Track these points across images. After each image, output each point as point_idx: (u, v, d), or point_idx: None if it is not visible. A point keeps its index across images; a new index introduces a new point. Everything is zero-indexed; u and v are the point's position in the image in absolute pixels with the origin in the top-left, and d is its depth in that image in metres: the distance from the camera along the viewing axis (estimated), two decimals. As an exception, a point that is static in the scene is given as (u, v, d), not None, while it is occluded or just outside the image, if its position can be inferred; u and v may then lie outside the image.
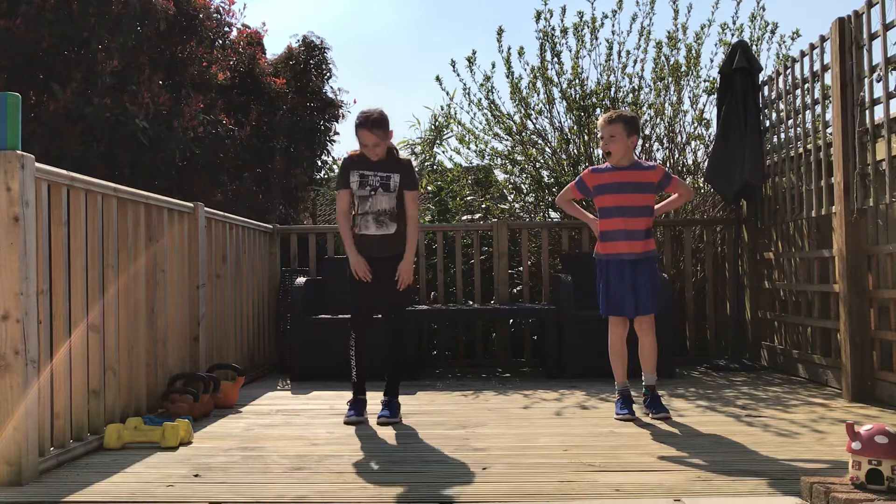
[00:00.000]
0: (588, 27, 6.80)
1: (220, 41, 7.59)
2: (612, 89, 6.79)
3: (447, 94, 10.25)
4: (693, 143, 6.87)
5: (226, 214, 5.18)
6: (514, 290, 6.48)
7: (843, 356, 4.37)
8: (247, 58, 7.91)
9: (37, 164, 2.84)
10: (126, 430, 3.38)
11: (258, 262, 5.96)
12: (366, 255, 3.87)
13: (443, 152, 11.10)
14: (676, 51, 6.71)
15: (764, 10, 6.62)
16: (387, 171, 3.84)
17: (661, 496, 2.51)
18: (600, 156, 5.72)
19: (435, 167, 8.47)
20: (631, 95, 6.82)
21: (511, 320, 6.23)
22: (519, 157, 7.13)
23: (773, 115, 5.59)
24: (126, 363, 3.65)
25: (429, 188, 7.63)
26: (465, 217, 7.19)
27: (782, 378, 5.19)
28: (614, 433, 3.54)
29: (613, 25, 7.20)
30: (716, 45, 6.79)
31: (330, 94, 8.76)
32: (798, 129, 5.09)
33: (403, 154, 3.99)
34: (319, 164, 9.07)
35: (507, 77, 6.97)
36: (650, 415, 3.85)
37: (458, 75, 7.96)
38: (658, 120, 6.83)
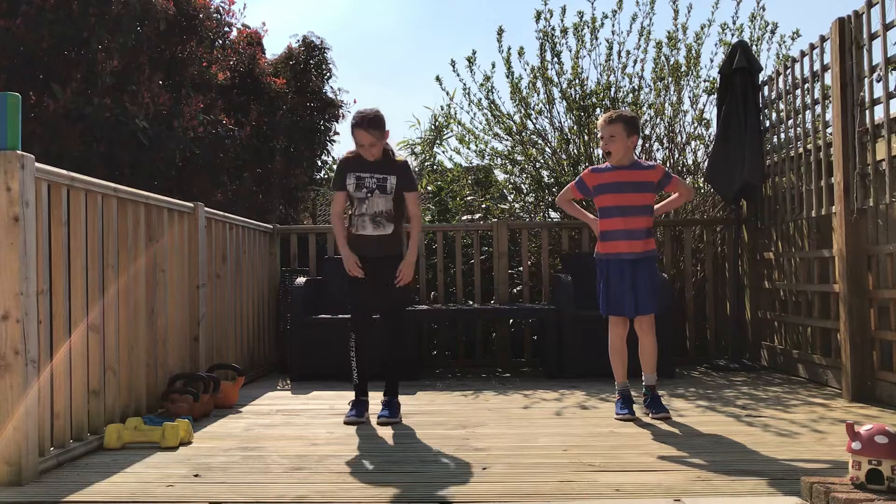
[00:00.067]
0: (588, 27, 6.80)
1: (220, 41, 7.59)
2: (612, 89, 6.80)
3: (447, 94, 10.27)
4: (693, 143, 6.87)
5: (226, 214, 5.18)
6: (514, 290, 6.48)
7: (843, 356, 4.37)
8: (247, 58, 7.91)
9: (37, 164, 2.84)
10: (126, 430, 3.38)
11: (258, 262, 5.96)
12: (363, 255, 3.88)
13: (443, 152, 11.09)
14: (676, 51, 6.72)
15: (764, 10, 6.62)
16: (383, 172, 3.84)
17: (661, 496, 2.51)
18: (600, 156, 5.72)
19: (435, 167, 8.48)
20: (631, 95, 6.82)
21: (511, 320, 6.23)
22: (519, 157, 7.13)
23: (773, 115, 5.59)
24: (126, 363, 3.65)
25: (429, 188, 7.63)
26: (465, 217, 7.19)
27: (782, 378, 5.19)
28: (614, 433, 3.54)
29: (613, 25, 7.20)
30: (716, 45, 6.80)
31: (330, 94, 8.76)
32: (798, 129, 5.09)
33: (399, 155, 3.99)
34: (319, 164, 9.06)
35: (507, 77, 6.97)
36: (650, 415, 3.85)
37: (458, 75, 7.97)
38: (658, 120, 6.83)
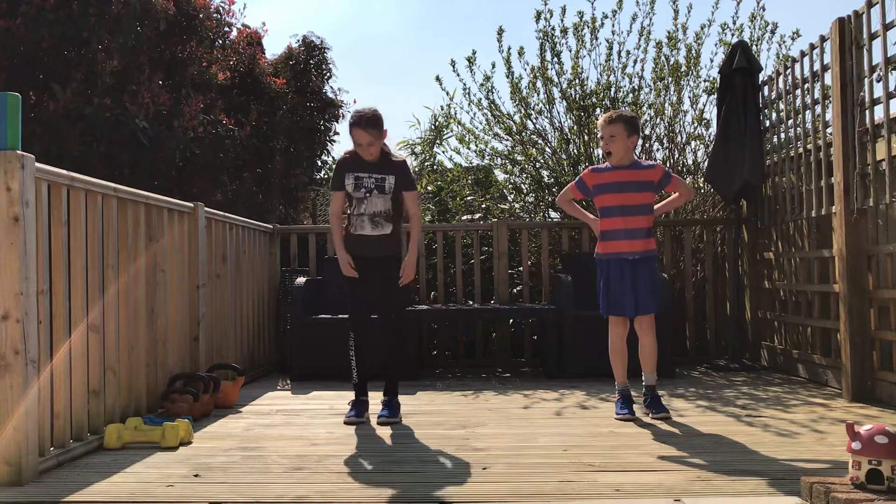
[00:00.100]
0: (588, 27, 6.80)
1: (220, 41, 7.59)
2: (612, 89, 6.80)
3: (447, 94, 10.27)
4: (693, 143, 6.87)
5: (226, 214, 5.18)
6: (514, 290, 6.48)
7: (843, 356, 4.37)
8: (247, 58, 7.91)
9: (37, 164, 2.84)
10: (126, 430, 3.38)
11: (258, 262, 5.96)
12: (362, 255, 3.88)
13: (443, 152, 11.10)
14: (676, 51, 6.72)
15: (764, 10, 6.62)
16: (382, 172, 3.85)
17: (661, 496, 2.51)
18: (600, 156, 5.72)
19: (435, 167, 8.48)
20: (631, 95, 6.82)
21: (511, 320, 6.23)
22: (519, 157, 7.13)
23: (773, 115, 5.59)
24: (126, 363, 3.65)
25: (429, 188, 7.63)
26: (465, 217, 7.19)
27: (782, 378, 5.19)
28: (614, 433, 3.54)
29: (613, 25, 7.20)
30: (716, 45, 6.80)
31: (330, 94, 8.76)
32: (798, 129, 5.09)
33: (397, 155, 3.99)
34: (319, 164, 9.06)
35: (507, 77, 6.97)
36: (650, 415, 3.85)
37: (458, 75, 7.96)
38: (658, 120, 6.83)
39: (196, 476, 2.84)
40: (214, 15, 7.14)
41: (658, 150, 6.95)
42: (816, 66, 4.79)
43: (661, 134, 6.90)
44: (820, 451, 3.10)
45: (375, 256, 3.89)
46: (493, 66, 8.59)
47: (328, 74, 8.74)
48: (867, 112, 4.16)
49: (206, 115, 6.65)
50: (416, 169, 8.51)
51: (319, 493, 2.62)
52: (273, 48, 16.95)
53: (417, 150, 8.92)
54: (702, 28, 6.72)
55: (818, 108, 4.77)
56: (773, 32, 6.63)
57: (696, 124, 6.74)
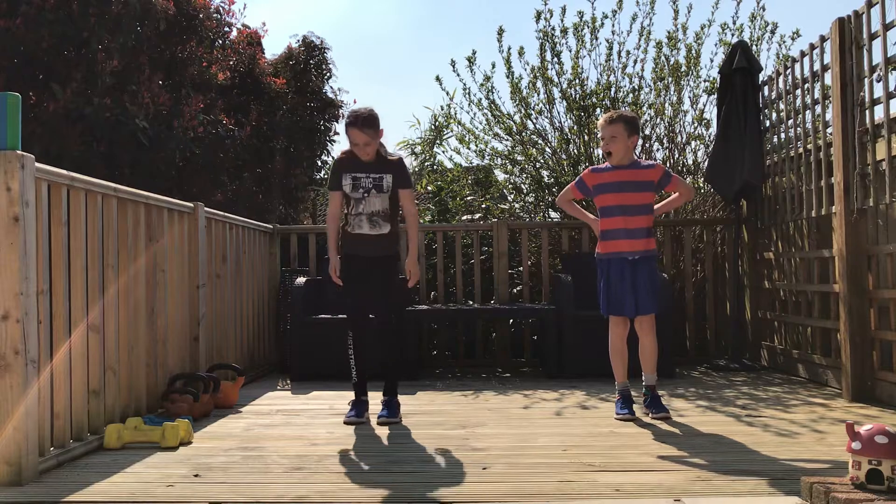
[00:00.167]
0: (588, 27, 6.80)
1: (220, 41, 7.59)
2: (612, 89, 6.80)
3: (447, 94, 10.27)
4: (693, 143, 6.87)
5: (226, 214, 5.18)
6: (514, 290, 6.48)
7: (843, 356, 4.36)
8: (247, 58, 7.91)
9: (37, 164, 2.84)
10: (126, 430, 3.38)
11: (258, 262, 5.96)
12: (360, 255, 3.88)
13: (443, 152, 11.08)
14: (676, 51, 6.72)
15: (764, 10, 6.63)
16: (379, 172, 3.85)
17: (661, 496, 2.51)
18: (600, 156, 5.72)
19: (435, 167, 8.48)
20: (631, 95, 6.82)
21: (511, 320, 6.23)
22: (519, 157, 7.13)
23: (773, 115, 5.58)
24: (126, 363, 3.65)
25: (429, 188, 7.63)
26: (465, 217, 7.19)
27: (782, 378, 5.19)
28: (614, 433, 3.54)
29: (613, 25, 7.20)
30: (716, 45, 6.80)
31: (330, 94, 8.76)
32: (798, 129, 5.09)
33: (394, 154, 3.99)
34: (319, 164, 9.06)
35: (507, 77, 6.97)
36: (650, 415, 3.85)
37: (458, 75, 7.97)
38: (658, 120, 6.83)
39: (196, 476, 2.84)
40: (214, 15, 7.15)
41: (658, 150, 6.95)
42: (816, 66, 4.79)
43: (661, 134, 6.90)
44: (820, 451, 3.11)
45: (374, 256, 3.89)
46: (493, 66, 8.60)
47: (328, 74, 8.74)
48: (867, 112, 4.16)
49: (206, 115, 6.65)
50: (416, 169, 8.51)
51: (319, 493, 2.62)
52: (273, 48, 16.96)
53: (417, 150, 8.93)
54: (702, 28, 6.73)
55: (818, 108, 4.77)
56: (773, 32, 6.63)
57: (696, 124, 6.74)
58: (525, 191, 7.31)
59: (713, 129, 6.32)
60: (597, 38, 6.80)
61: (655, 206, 4.03)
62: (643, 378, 3.95)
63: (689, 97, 6.77)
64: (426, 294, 6.33)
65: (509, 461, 3.02)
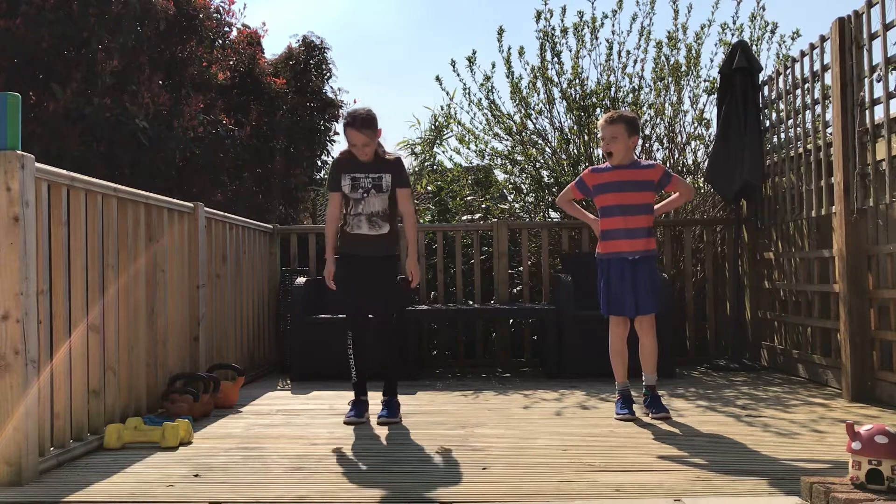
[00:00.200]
0: (588, 27, 6.80)
1: (220, 41, 7.59)
2: (612, 89, 6.80)
3: (447, 94, 10.25)
4: (693, 143, 6.87)
5: (226, 214, 5.18)
6: (514, 290, 6.48)
7: (843, 356, 4.36)
8: (247, 58, 7.91)
9: (37, 164, 2.84)
10: (126, 430, 3.38)
11: (258, 262, 5.96)
12: (360, 255, 3.88)
13: (443, 152, 11.08)
14: (676, 51, 6.72)
15: (764, 10, 6.63)
16: (378, 172, 3.85)
17: (661, 496, 2.51)
18: (600, 156, 5.72)
19: (435, 167, 8.47)
20: (631, 95, 6.82)
21: (511, 320, 6.23)
22: (519, 157, 7.13)
23: (773, 115, 5.58)
24: (126, 363, 3.65)
25: (429, 188, 7.63)
26: (465, 217, 7.20)
27: (782, 378, 5.19)
28: (614, 433, 3.54)
29: (613, 25, 7.21)
30: (716, 45, 6.80)
31: (330, 94, 8.76)
32: (798, 129, 5.09)
33: (392, 153, 3.99)
34: (319, 164, 9.06)
35: (508, 77, 6.97)
36: (650, 415, 3.85)
37: (458, 75, 7.97)
38: (658, 120, 6.83)
39: (196, 476, 2.84)
40: (214, 15, 7.15)
41: (658, 150, 6.95)
42: (816, 66, 4.79)
43: (661, 134, 6.90)
44: (820, 451, 3.11)
45: (373, 256, 3.89)
46: (493, 66, 8.60)
47: (328, 74, 8.74)
48: (867, 112, 4.16)
49: (206, 115, 6.65)
50: (416, 169, 8.50)
51: (319, 493, 2.62)
52: (273, 48, 16.95)
53: (417, 150, 8.91)
54: (702, 28, 6.73)
55: (818, 108, 4.77)
56: (773, 32, 6.63)
57: (696, 124, 6.74)
58: (525, 191, 7.31)
59: (713, 129, 6.32)
60: (597, 38, 6.81)
61: (655, 206, 4.03)
62: (643, 378, 3.95)
63: (689, 97, 6.77)
64: (426, 294, 6.33)
65: (509, 461, 3.02)
